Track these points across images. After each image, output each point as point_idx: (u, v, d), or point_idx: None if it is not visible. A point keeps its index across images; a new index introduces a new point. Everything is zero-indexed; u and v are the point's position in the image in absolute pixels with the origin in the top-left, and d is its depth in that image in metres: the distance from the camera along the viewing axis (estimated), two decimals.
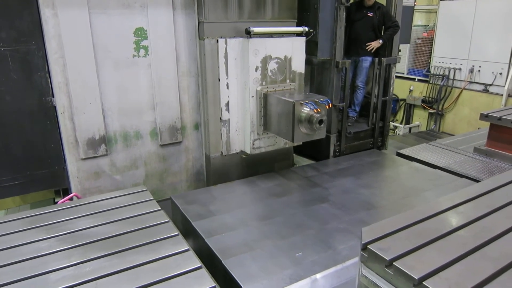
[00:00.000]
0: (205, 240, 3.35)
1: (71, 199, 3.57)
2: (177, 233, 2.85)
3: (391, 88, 5.86)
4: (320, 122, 4.02)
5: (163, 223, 2.97)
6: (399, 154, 5.29)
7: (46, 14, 3.57)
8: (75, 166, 3.99)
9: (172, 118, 4.40)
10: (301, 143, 4.39)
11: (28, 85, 3.70)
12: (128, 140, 4.25)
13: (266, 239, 3.34)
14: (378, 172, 4.78)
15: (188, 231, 3.65)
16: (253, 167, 4.76)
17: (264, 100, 4.45)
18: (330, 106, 4.21)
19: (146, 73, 4.15)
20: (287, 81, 4.60)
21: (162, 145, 4.44)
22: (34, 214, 3.12)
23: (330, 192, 4.22)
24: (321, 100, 4.09)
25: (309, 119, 4.03)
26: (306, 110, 4.03)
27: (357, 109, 5.99)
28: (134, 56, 4.04)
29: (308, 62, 4.89)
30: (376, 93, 5.80)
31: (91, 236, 2.81)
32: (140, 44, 4.04)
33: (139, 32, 4.00)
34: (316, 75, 5.44)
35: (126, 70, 4.04)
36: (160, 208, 3.19)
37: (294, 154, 5.31)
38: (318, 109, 4.00)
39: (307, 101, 4.02)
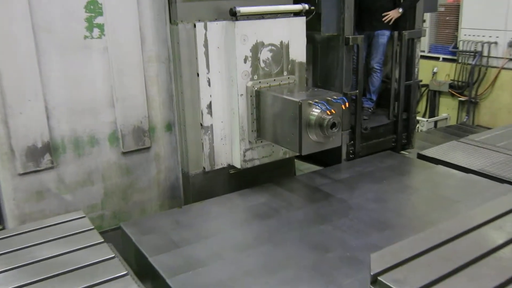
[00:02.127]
0: (167, 281, 3.28)
1: None
2: (125, 272, 2.78)
3: (416, 70, 5.87)
4: (333, 125, 4.01)
5: (107, 259, 2.90)
6: (421, 156, 5.30)
7: None
8: (10, 185, 3.93)
9: (137, 117, 4.37)
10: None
11: None
12: (81, 148, 4.21)
13: (248, 276, 3.28)
14: (394, 180, 4.78)
15: (143, 269, 3.59)
16: (245, 184, 4.75)
17: (257, 99, 4.43)
18: (347, 106, 4.21)
19: (102, 59, 4.11)
20: (285, 73, 4.60)
21: (125, 153, 4.41)
22: None
23: (334, 208, 4.24)
24: (334, 99, 4.07)
25: (321, 123, 4.01)
26: (316, 112, 4.02)
27: (374, 97, 5.99)
28: (86, 37, 4.01)
29: (309, 39, 4.87)
30: (397, 77, 5.79)
31: (3, 285, 2.73)
32: (94, 22, 4.01)
33: (91, 7, 3.97)
34: (320, 57, 5.43)
35: (76, 56, 4.00)
36: (103, 239, 3.13)
37: (296, 160, 5.37)
38: (332, 110, 3.98)
39: (316, 101, 4.02)
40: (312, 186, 4.73)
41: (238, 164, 4.61)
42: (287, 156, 4.83)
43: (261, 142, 4.60)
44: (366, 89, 5.99)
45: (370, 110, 5.99)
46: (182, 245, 3.71)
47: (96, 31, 4.02)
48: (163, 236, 3.86)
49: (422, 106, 10.26)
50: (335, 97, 4.11)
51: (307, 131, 4.05)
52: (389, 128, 5.84)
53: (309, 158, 5.37)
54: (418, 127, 9.30)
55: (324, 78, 5.44)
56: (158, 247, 3.69)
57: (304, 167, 5.59)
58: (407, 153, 5.91)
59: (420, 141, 6.53)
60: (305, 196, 4.55)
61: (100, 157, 4.31)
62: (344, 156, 5.44)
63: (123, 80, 4.22)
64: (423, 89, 10.16)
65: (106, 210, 4.42)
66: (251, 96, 4.42)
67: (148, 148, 4.51)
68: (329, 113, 3.99)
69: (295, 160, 5.31)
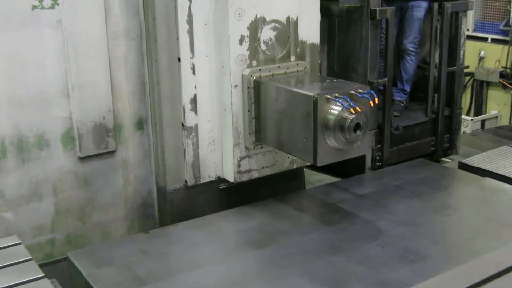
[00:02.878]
0: None
1: None
2: None
3: (461, 52, 5.81)
4: (356, 127, 3.99)
5: None
6: (463, 166, 5.30)
7: None
8: None
9: (98, 111, 4.37)
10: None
11: None
12: (25, 151, 4.19)
13: None
14: (428, 196, 4.77)
15: None
16: (239, 201, 4.73)
17: (256, 91, 4.40)
18: (376, 102, 4.18)
19: (54, 35, 4.13)
20: (292, 58, 4.59)
21: (82, 158, 4.40)
22: None
23: (352, 233, 4.22)
24: (359, 92, 4.03)
25: (342, 125, 3.98)
26: (336, 109, 3.98)
27: (407, 88, 5.96)
28: (34, 7, 4.01)
29: (324, 13, 4.87)
30: (437, 61, 5.71)
31: None
32: None
33: None
34: (337, 35, 5.38)
35: (21, 32, 4.00)
36: (42, 274, 3.14)
37: (306, 169, 5.34)
38: (357, 108, 3.95)
39: (336, 95, 3.96)
40: (325, 202, 4.69)
41: (230, 177, 4.58)
42: (295, 166, 4.81)
43: (261, 148, 4.58)
44: (398, 77, 5.94)
45: (402, 105, 5.94)
46: (148, 281, 3.66)
47: (47, 0, 4.03)
48: (124, 269, 3.80)
49: (465, 101, 10.22)
50: (360, 90, 4.06)
51: (324, 134, 4.00)
52: (427, 128, 5.81)
53: (323, 168, 5.17)
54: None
55: (343, 62, 5.39)
56: (117, 284, 3.66)
57: (315, 179, 5.58)
58: (449, 160, 5.87)
59: (463, 146, 6.47)
60: (315, 217, 4.52)
61: (51, 163, 4.30)
62: (368, 164, 5.42)
63: (81, 63, 4.23)
64: (466, 78, 10.12)
65: (57, 234, 4.40)
66: (248, 88, 4.39)
67: (113, 152, 4.51)
68: (353, 112, 3.95)
69: (305, 169, 5.30)
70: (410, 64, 5.81)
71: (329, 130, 4.00)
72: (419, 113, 5.86)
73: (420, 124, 5.74)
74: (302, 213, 4.51)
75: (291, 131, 4.21)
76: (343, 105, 3.95)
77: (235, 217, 4.49)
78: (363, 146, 4.19)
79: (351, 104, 3.94)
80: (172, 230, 4.36)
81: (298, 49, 4.58)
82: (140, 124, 4.58)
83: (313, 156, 4.05)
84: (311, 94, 3.98)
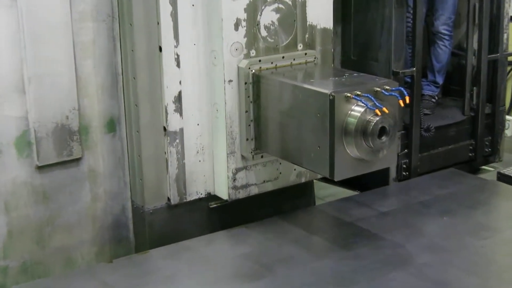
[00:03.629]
0: None
1: None
2: None
3: (504, 36, 5.84)
4: (381, 131, 3.96)
5: None
6: (504, 177, 5.27)
7: None
8: None
9: (61, 108, 4.37)
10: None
11: None
12: None
13: None
14: (460, 215, 4.78)
15: None
16: (234, 223, 4.73)
17: (255, 88, 4.42)
18: (407, 101, 4.15)
19: (7, 16, 4.13)
20: (299, 46, 4.59)
21: (41, 168, 4.39)
22: None
23: (367, 261, 4.19)
24: (385, 90, 4.01)
25: (365, 130, 3.95)
26: (358, 110, 3.95)
27: (440, 80, 5.99)
28: None
29: None
30: (476, 47, 5.73)
31: None
32: None
33: None
34: (353, 14, 5.44)
35: None
36: None
37: (316, 180, 5.36)
38: (385, 109, 3.91)
39: (358, 93, 3.94)
40: (339, 221, 4.72)
41: (224, 194, 4.59)
42: (303, 180, 4.83)
43: (262, 157, 4.59)
44: (428, 67, 5.95)
45: (434, 100, 5.96)
46: None
47: None
48: None
49: (508, 96, 10.18)
50: (387, 87, 4.03)
51: (343, 142, 3.97)
52: (464, 129, 5.83)
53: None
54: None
55: (361, 49, 5.42)
56: None
57: (326, 193, 5.61)
58: (491, 169, 5.90)
59: (507, 152, 6.53)
60: (326, 239, 4.51)
61: (2, 174, 4.28)
62: (393, 174, 5.45)
63: (39, 50, 4.23)
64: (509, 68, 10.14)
65: (10, 260, 4.37)
66: (245, 83, 4.39)
67: (78, 159, 4.49)
68: (378, 113, 3.91)
69: (314, 181, 5.34)
70: (442, 50, 5.79)
71: (349, 136, 3.97)
72: (455, 111, 5.86)
73: (455, 124, 5.74)
74: (310, 235, 4.52)
75: (301, 138, 4.20)
76: (366, 105, 3.91)
77: (224, 241, 4.50)
78: (390, 156, 4.20)
79: (376, 104, 3.91)
80: (143, 258, 4.33)
81: (307, 35, 4.58)
82: (111, 126, 4.58)
83: (329, 168, 4.03)
84: (326, 91, 3.95)
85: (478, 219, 4.72)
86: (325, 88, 4.00)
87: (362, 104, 3.91)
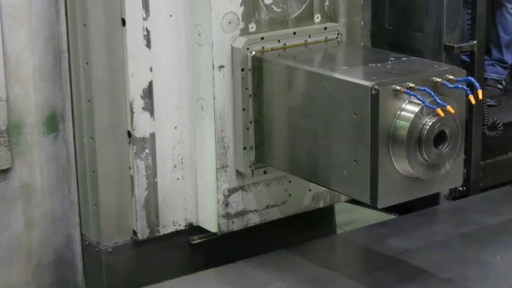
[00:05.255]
0: None
1: None
2: None
3: None
4: (440, 137, 3.94)
5: None
6: None
7: None
8: None
9: None
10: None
11: None
12: None
13: None
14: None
15: None
16: (225, 264, 4.77)
17: (257, 76, 4.44)
18: (480, 96, 4.16)
19: None
20: (316, 18, 4.68)
21: None
22: None
23: None
24: (449, 81, 3.96)
25: (421, 137, 3.93)
26: (412, 110, 3.90)
27: (509, 58, 6.19)
28: None
29: None
30: None
31: None
32: None
33: None
34: None
35: None
36: None
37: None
38: (449, 107, 3.85)
39: (411, 85, 3.88)
40: (369, 254, 4.90)
41: (212, 225, 4.63)
42: (321, 204, 4.92)
43: (264, 173, 4.60)
44: (492, 40, 6.15)
45: (501, 86, 6.18)
46: None
47: None
48: None
49: None
50: (450, 76, 3.97)
51: (390, 154, 3.94)
52: None
53: None
54: None
55: (399, 15, 5.63)
56: None
57: (351, 218, 5.72)
58: None
59: None
60: (350, 277, 4.61)
61: None
62: (445, 190, 5.52)
63: None
64: None
65: None
66: (243, 70, 4.39)
67: (6, 171, 4.54)
68: (441, 114, 3.86)
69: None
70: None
71: (399, 145, 3.90)
72: None
73: None
74: (331, 272, 4.62)
75: (327, 148, 4.18)
76: (423, 102, 3.80)
77: (213, 283, 4.60)
78: (455, 172, 4.21)
79: (437, 100, 3.81)
80: None
81: (327, 3, 4.65)
82: (52, 124, 4.59)
83: (370, 191, 3.97)
84: (367, 83, 3.88)
85: None
86: (365, 79, 3.96)
87: (418, 101, 3.85)
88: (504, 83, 5.99)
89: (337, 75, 4.06)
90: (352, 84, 3.96)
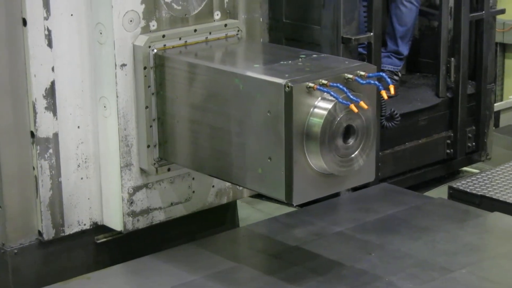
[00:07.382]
0: None
1: None
2: None
3: None
4: (347, 131, 4.03)
5: None
6: (457, 193, 5.35)
7: None
8: None
9: None
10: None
11: None
12: None
13: None
14: (390, 248, 4.85)
15: None
16: (133, 257, 4.80)
17: (159, 74, 4.51)
18: (393, 92, 4.22)
19: None
20: (216, 15, 4.75)
21: None
22: None
23: None
24: (360, 77, 4.03)
25: (335, 133, 4.00)
26: (325, 107, 3.97)
27: (404, 50, 6.24)
28: None
29: None
30: (452, 4, 5.88)
31: None
32: None
33: None
34: None
35: None
36: None
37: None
38: (362, 103, 3.90)
39: (324, 82, 3.95)
40: (273, 246, 4.85)
41: (117, 223, 4.65)
42: (225, 200, 4.98)
43: (168, 170, 4.66)
44: (388, 32, 6.23)
45: (397, 78, 6.20)
46: None
47: None
48: None
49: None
50: (362, 72, 4.07)
51: (304, 151, 4.01)
52: (440, 117, 5.98)
53: None
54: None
55: (297, 7, 5.59)
56: None
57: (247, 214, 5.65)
58: (476, 171, 6.01)
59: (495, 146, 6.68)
60: (253, 267, 4.63)
61: None
62: None
63: None
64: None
65: None
66: (145, 68, 4.47)
67: None
68: (355, 110, 3.93)
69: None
70: (407, 8, 6.02)
71: (313, 142, 3.98)
72: (426, 92, 6.09)
73: (427, 109, 5.95)
74: (234, 265, 4.61)
75: (239, 146, 4.26)
76: (337, 98, 3.91)
77: (119, 277, 4.61)
78: (368, 168, 4.26)
79: (350, 96, 3.91)
80: None
81: (226, 0, 4.70)
82: None
83: (285, 189, 4.02)
84: (279, 80, 3.95)
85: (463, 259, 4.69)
86: (278, 76, 4.00)
87: (331, 98, 3.93)
88: (400, 74, 6.10)
89: (249, 73, 4.15)
90: (265, 82, 4.03)
